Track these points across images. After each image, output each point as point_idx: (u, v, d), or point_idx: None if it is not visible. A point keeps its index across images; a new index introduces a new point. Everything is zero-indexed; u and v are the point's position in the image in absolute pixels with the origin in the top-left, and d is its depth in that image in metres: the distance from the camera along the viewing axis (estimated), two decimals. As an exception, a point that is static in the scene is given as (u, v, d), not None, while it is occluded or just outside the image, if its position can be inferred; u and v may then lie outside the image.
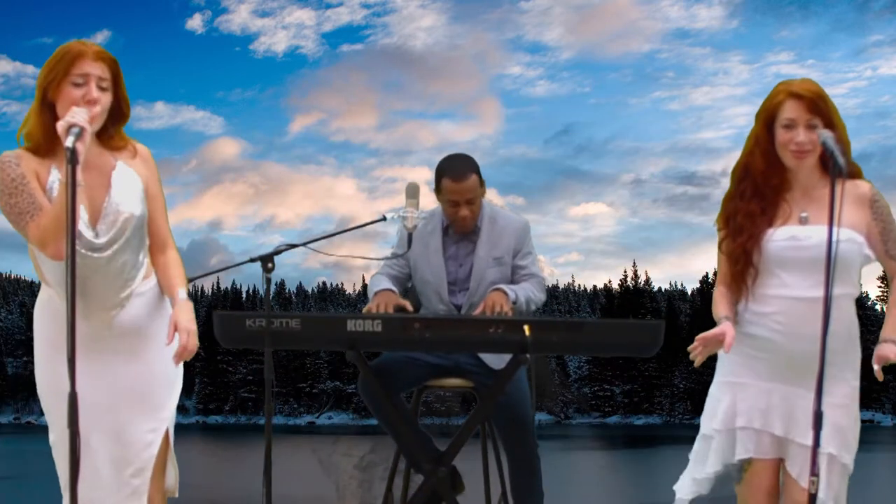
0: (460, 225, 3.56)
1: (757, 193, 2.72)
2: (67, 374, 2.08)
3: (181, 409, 2.77)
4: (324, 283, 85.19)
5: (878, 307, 62.18)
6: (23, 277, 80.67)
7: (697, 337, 2.62)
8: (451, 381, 3.57)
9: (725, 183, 2.83)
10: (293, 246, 2.82)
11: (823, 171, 2.70)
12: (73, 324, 2.08)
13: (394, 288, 3.52)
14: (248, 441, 35.97)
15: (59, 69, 2.45)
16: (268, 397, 2.61)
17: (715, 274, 2.88)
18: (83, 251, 2.45)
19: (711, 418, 2.77)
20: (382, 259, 3.66)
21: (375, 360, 3.53)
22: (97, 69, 2.47)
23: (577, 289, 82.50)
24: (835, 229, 2.35)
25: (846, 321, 2.66)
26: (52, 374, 2.51)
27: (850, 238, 2.60)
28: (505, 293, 3.40)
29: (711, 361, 2.78)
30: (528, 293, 3.49)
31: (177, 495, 2.73)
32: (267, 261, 2.70)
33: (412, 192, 2.99)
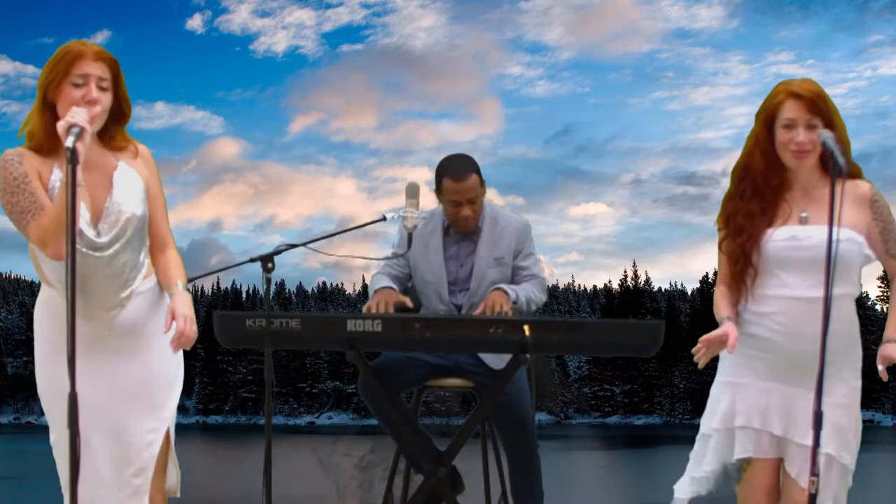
0: (462, 225, 3.57)
1: (757, 193, 2.72)
2: (67, 374, 2.08)
3: (181, 409, 2.77)
4: (324, 283, 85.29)
5: (878, 307, 62.25)
6: (23, 277, 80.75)
7: (701, 339, 2.62)
8: (451, 381, 3.57)
9: (725, 183, 2.83)
10: (293, 246, 2.82)
11: (823, 171, 2.70)
12: (73, 324, 2.08)
13: (394, 286, 3.52)
14: (248, 441, 35.97)
15: (58, 69, 2.45)
16: (268, 397, 2.61)
17: (715, 274, 2.88)
18: (84, 250, 2.45)
19: (711, 417, 2.78)
20: (382, 259, 3.67)
21: (375, 360, 3.53)
22: (97, 69, 2.47)
23: (577, 289, 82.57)
24: (835, 229, 2.35)
25: (846, 321, 2.66)
26: (53, 374, 2.51)
27: (850, 238, 2.60)
28: (505, 293, 3.40)
29: (713, 361, 2.78)
30: (528, 293, 3.49)
31: (178, 495, 2.73)
32: (267, 261, 2.70)
33: (412, 192, 2.99)
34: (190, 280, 2.73)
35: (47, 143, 2.48)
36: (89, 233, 2.47)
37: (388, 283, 3.53)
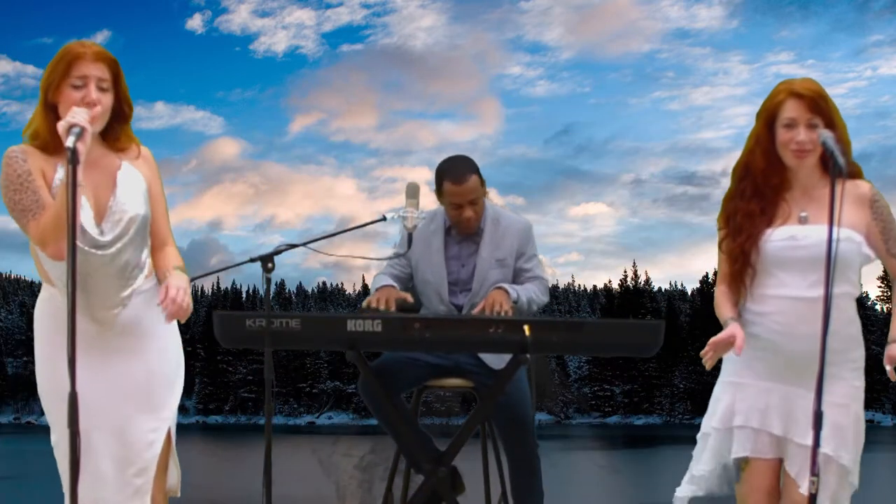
0: (464, 226, 3.57)
1: (757, 193, 2.72)
2: (68, 373, 2.08)
3: (181, 409, 2.77)
4: (324, 283, 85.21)
5: (878, 307, 62.25)
6: (23, 277, 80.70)
7: (710, 342, 2.62)
8: (452, 381, 3.57)
9: (725, 183, 2.83)
10: (293, 246, 2.82)
11: (824, 171, 2.70)
12: (73, 323, 2.08)
13: (395, 285, 3.52)
14: (248, 441, 35.96)
15: (58, 71, 2.46)
16: (268, 397, 2.61)
17: (715, 274, 2.88)
18: (86, 248, 2.46)
19: (711, 417, 2.79)
20: (382, 259, 3.67)
21: (376, 361, 3.53)
22: (96, 70, 2.47)
23: (577, 289, 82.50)
24: (834, 229, 2.35)
25: (845, 320, 2.66)
26: (53, 374, 2.51)
27: (849, 237, 2.60)
28: (506, 292, 3.40)
29: (717, 362, 2.78)
30: (530, 294, 3.50)
31: (179, 495, 2.73)
32: (267, 261, 2.70)
33: (412, 192, 2.99)
34: (190, 280, 2.73)
35: (52, 143, 2.48)
36: (92, 232, 2.48)
37: (389, 282, 3.54)
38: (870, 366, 2.74)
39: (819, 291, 2.54)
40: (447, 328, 2.86)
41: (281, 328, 2.79)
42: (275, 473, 2.67)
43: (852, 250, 2.62)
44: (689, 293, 74.13)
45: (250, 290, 77.37)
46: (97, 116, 2.44)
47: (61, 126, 2.28)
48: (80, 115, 2.30)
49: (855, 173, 2.72)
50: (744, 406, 2.71)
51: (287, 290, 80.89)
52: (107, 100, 2.50)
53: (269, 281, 2.70)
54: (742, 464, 2.74)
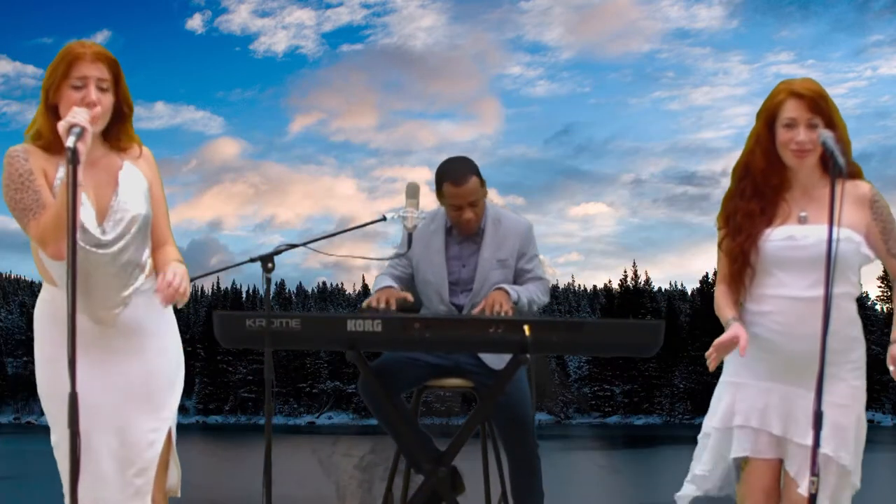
0: (464, 228, 3.57)
1: (757, 193, 2.73)
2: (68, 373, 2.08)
3: (181, 409, 2.77)
4: (324, 283, 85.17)
5: (878, 307, 62.22)
6: (23, 277, 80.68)
7: (714, 343, 2.62)
8: (452, 381, 3.57)
9: (725, 183, 2.84)
10: (293, 246, 2.82)
11: (824, 171, 2.70)
12: (73, 323, 2.08)
13: (396, 286, 3.52)
14: (248, 441, 35.97)
15: (58, 72, 2.46)
16: (268, 397, 2.61)
17: (715, 274, 2.88)
18: (88, 247, 2.46)
19: (712, 417, 2.79)
20: (382, 259, 3.67)
21: (376, 361, 3.53)
22: (95, 71, 2.47)
23: (577, 289, 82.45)
24: (834, 228, 2.35)
25: (845, 320, 2.66)
26: (54, 375, 2.51)
27: (848, 237, 2.61)
28: (507, 293, 3.41)
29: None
30: (531, 294, 3.50)
31: (179, 495, 2.73)
32: (267, 261, 2.70)
33: (412, 192, 2.99)
34: (190, 280, 2.73)
35: (54, 143, 2.48)
36: (94, 231, 2.48)
37: (390, 283, 3.54)
38: (869, 365, 2.74)
39: (818, 291, 2.54)
40: (447, 328, 2.86)
41: (281, 328, 2.79)
42: (275, 473, 2.67)
43: (851, 250, 2.62)
44: (689, 293, 74.15)
45: (250, 290, 77.43)
46: (97, 117, 2.44)
47: (61, 126, 2.28)
48: (81, 115, 2.30)
49: (855, 173, 2.72)
50: (743, 406, 2.71)
51: (287, 290, 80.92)
52: (107, 100, 2.50)
53: (269, 281, 2.70)
54: (742, 464, 2.74)
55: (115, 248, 2.51)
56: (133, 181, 2.58)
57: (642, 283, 71.72)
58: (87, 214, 2.47)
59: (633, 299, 69.08)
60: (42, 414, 2.61)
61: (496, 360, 3.42)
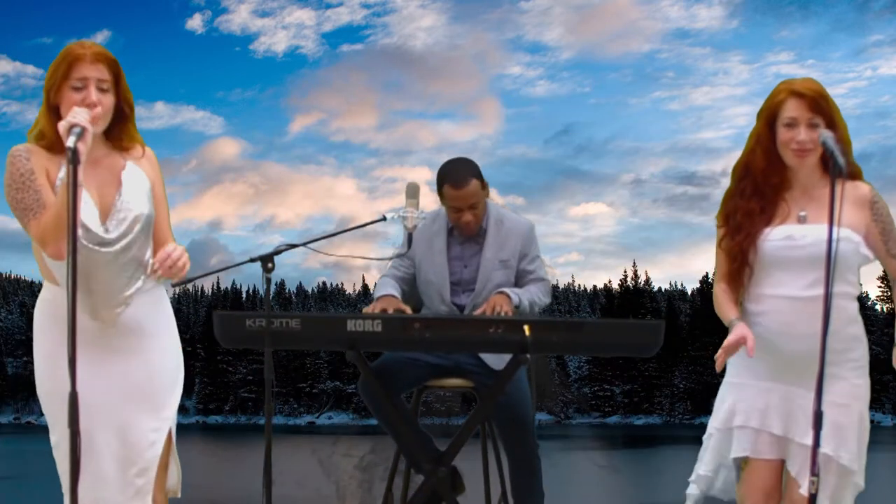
0: (464, 230, 3.57)
1: (757, 192, 2.73)
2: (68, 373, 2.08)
3: (181, 409, 2.77)
4: (324, 283, 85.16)
5: (878, 307, 62.21)
6: (23, 277, 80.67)
7: (722, 346, 2.61)
8: (452, 381, 3.57)
9: (725, 183, 2.85)
10: (293, 246, 2.81)
11: (824, 171, 2.71)
12: (73, 323, 2.08)
13: (396, 293, 3.52)
14: (248, 441, 35.95)
15: (59, 73, 2.47)
16: (268, 397, 2.60)
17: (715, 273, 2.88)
18: (91, 246, 2.46)
19: (714, 418, 2.79)
20: (382, 259, 3.67)
21: (376, 361, 3.53)
22: (95, 71, 2.47)
23: (577, 289, 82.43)
24: (834, 228, 2.35)
25: (845, 320, 2.66)
26: (54, 374, 2.50)
27: (847, 237, 2.61)
28: (508, 296, 3.41)
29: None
30: (532, 296, 3.50)
31: (179, 495, 2.73)
32: (267, 261, 2.70)
33: (412, 192, 2.99)
34: (190, 280, 2.73)
35: (57, 143, 2.48)
36: (97, 230, 2.48)
37: (390, 289, 3.53)
38: (870, 365, 2.74)
39: (816, 291, 2.54)
40: (447, 328, 2.86)
41: (281, 328, 2.79)
42: (275, 473, 2.67)
43: (850, 250, 2.62)
44: (689, 293, 74.12)
45: (250, 290, 77.42)
46: (98, 117, 2.44)
47: (62, 126, 2.29)
48: (81, 115, 2.30)
49: (855, 174, 2.72)
50: (744, 406, 2.71)
51: (287, 290, 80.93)
52: (107, 100, 2.50)
53: (269, 281, 2.70)
54: (742, 464, 2.74)
55: (118, 246, 2.51)
56: (136, 181, 2.58)
57: (642, 283, 71.75)
58: (90, 213, 2.47)
59: (633, 299, 69.07)
60: (42, 414, 2.61)
61: (496, 360, 3.42)
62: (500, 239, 3.58)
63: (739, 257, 2.70)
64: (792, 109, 2.63)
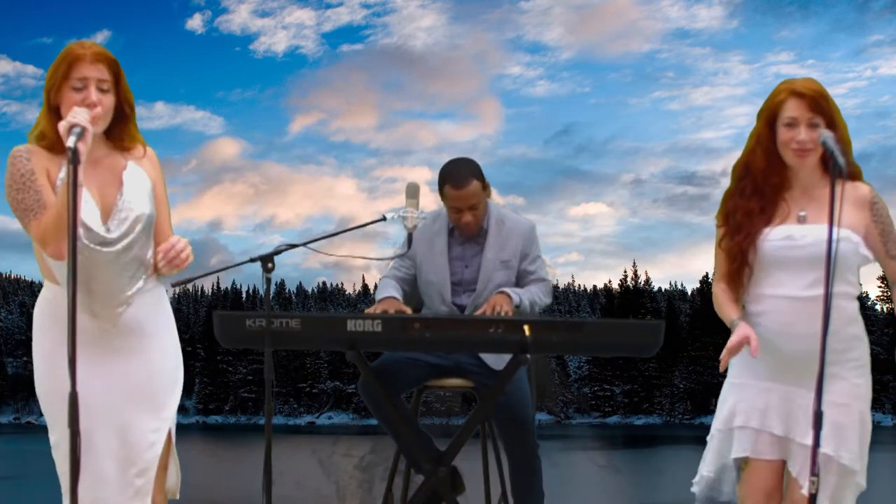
0: (464, 230, 3.57)
1: (756, 192, 2.73)
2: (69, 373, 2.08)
3: (181, 409, 2.77)
4: (324, 283, 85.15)
5: (878, 307, 62.20)
6: (23, 277, 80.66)
7: (726, 347, 2.61)
8: (452, 381, 3.57)
9: (725, 183, 2.85)
10: (293, 246, 2.81)
11: (824, 171, 2.71)
12: (73, 323, 2.08)
13: (397, 295, 3.52)
14: (248, 441, 35.95)
15: (59, 74, 2.46)
16: (268, 397, 2.60)
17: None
18: (92, 245, 2.46)
19: (716, 419, 2.79)
20: (382, 259, 3.67)
21: (376, 361, 3.53)
22: (95, 72, 2.47)
23: (577, 289, 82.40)
24: (834, 228, 2.35)
25: (845, 320, 2.66)
26: (54, 373, 2.50)
27: (847, 237, 2.61)
28: (509, 296, 3.41)
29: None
30: (533, 297, 3.50)
31: (178, 497, 2.73)
32: (267, 261, 2.70)
33: (412, 192, 2.99)
34: (190, 280, 2.73)
35: (58, 143, 2.48)
36: (98, 229, 2.48)
37: (392, 291, 3.53)
38: (871, 365, 2.74)
39: (816, 291, 2.54)
40: (447, 328, 2.86)
41: (281, 328, 2.79)
42: (275, 473, 2.66)
43: (849, 250, 2.62)
44: (689, 293, 74.07)
45: (250, 290, 77.40)
46: (98, 117, 2.44)
47: (62, 126, 2.29)
48: (81, 115, 2.30)
49: (855, 174, 2.72)
50: (744, 406, 2.71)
51: (287, 290, 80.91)
52: (108, 101, 2.50)
53: (269, 281, 2.70)
54: (742, 464, 2.74)
55: (120, 245, 2.51)
56: (137, 181, 2.58)
57: (642, 283, 71.73)
58: (91, 213, 2.47)
59: (633, 299, 69.06)
60: (42, 414, 2.61)
61: (496, 360, 3.42)
62: (501, 239, 3.58)
63: (739, 257, 2.70)
64: (792, 109, 2.63)
